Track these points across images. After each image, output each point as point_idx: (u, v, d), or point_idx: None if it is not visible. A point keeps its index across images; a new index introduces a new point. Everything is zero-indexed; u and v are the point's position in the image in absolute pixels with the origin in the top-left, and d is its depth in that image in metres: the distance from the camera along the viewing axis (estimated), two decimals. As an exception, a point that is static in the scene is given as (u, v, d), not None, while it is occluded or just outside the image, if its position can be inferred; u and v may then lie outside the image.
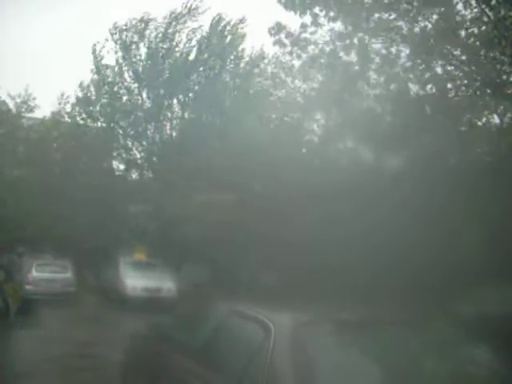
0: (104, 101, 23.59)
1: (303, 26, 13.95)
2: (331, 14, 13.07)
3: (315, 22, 13.43)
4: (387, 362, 3.17)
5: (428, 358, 3.29)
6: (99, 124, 24.00)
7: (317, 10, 13.15)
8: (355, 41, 13.75)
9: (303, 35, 14.16)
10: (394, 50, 13.81)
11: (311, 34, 14.09)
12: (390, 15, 12.91)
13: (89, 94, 23.96)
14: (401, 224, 10.93)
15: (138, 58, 23.25)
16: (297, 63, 15.76)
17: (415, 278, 10.04)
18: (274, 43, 14.62)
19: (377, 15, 13.04)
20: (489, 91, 12.10)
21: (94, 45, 23.21)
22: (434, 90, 13.62)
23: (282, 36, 14.39)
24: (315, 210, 12.94)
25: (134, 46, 23.11)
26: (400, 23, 13.17)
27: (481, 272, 9.11)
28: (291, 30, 14.33)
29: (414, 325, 3.75)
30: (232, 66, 23.58)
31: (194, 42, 23.14)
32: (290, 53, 14.79)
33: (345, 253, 11.50)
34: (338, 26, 13.56)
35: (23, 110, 25.88)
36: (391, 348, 3.35)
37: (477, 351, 3.51)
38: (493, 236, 10.03)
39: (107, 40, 23.03)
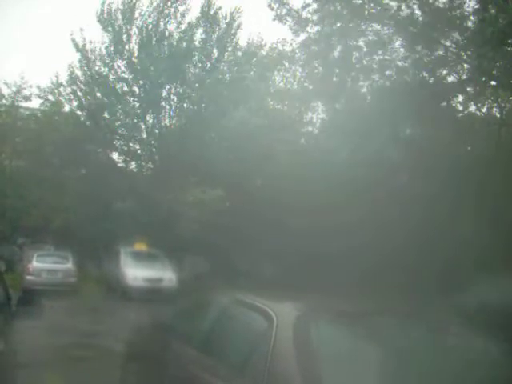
0: (88, 85, 22.89)
1: (305, 7, 13.99)
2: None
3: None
4: (390, 352, 3.17)
5: (431, 348, 3.29)
6: (86, 113, 23.52)
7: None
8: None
9: (304, 15, 14.23)
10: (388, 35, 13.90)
11: (311, 13, 14.13)
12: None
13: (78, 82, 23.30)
14: (402, 215, 10.92)
15: (130, 46, 22.71)
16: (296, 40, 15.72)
17: (418, 268, 10.05)
18: (275, 18, 14.58)
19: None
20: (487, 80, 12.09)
21: (71, 34, 22.46)
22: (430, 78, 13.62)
23: (284, 11, 14.33)
24: (314, 202, 12.93)
25: (125, 36, 22.57)
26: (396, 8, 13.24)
27: (484, 263, 9.11)
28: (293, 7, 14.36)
29: (417, 315, 3.75)
30: (229, 54, 23.27)
31: (185, 28, 22.68)
32: (290, 28, 14.76)
33: (346, 243, 11.50)
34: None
35: (19, 98, 25.40)
36: (394, 338, 3.35)
37: (480, 341, 3.51)
38: (494, 227, 10.01)
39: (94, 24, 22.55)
